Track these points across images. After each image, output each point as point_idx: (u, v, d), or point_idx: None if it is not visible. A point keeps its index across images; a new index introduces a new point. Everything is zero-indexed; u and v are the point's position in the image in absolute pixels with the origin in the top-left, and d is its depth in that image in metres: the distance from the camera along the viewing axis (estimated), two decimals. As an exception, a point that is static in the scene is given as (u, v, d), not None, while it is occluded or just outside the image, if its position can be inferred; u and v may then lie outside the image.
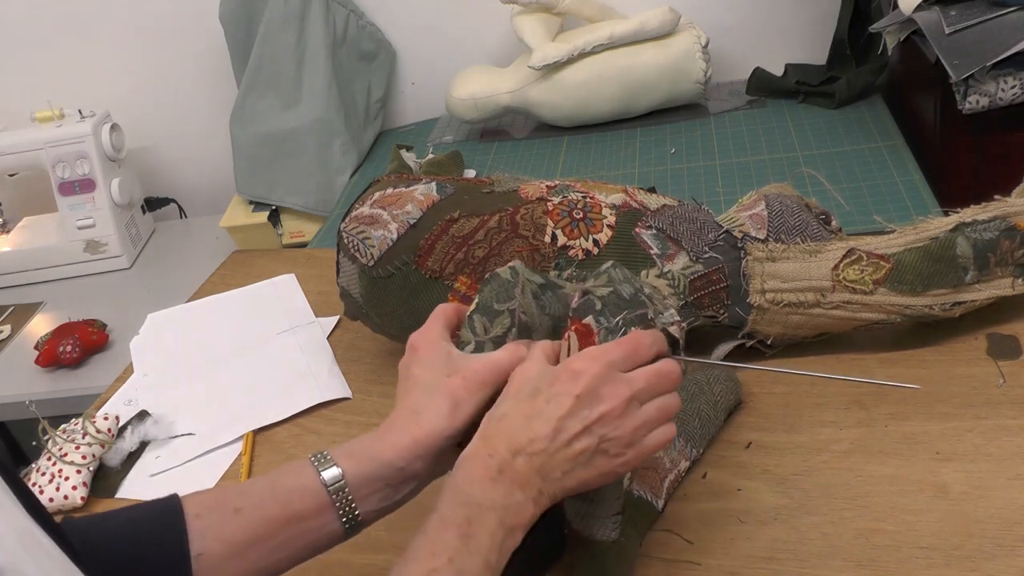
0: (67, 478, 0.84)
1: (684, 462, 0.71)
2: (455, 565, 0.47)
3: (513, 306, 0.60)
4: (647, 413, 0.54)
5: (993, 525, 0.62)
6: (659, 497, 0.67)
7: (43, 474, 0.85)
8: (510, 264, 0.62)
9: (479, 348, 0.59)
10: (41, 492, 0.83)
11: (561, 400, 0.52)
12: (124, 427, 0.90)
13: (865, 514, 0.65)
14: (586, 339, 0.57)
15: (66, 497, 0.83)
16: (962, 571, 0.59)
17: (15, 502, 0.44)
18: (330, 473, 0.54)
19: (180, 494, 0.56)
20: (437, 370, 0.57)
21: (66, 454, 0.85)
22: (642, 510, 0.66)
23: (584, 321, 0.58)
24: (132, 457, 0.89)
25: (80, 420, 0.89)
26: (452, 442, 0.56)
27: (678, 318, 0.59)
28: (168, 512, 0.55)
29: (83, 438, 0.87)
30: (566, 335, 0.59)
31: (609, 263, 0.61)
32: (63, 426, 0.89)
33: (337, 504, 0.54)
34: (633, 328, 0.57)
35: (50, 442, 0.86)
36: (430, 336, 0.59)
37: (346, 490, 0.54)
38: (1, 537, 0.40)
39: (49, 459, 0.86)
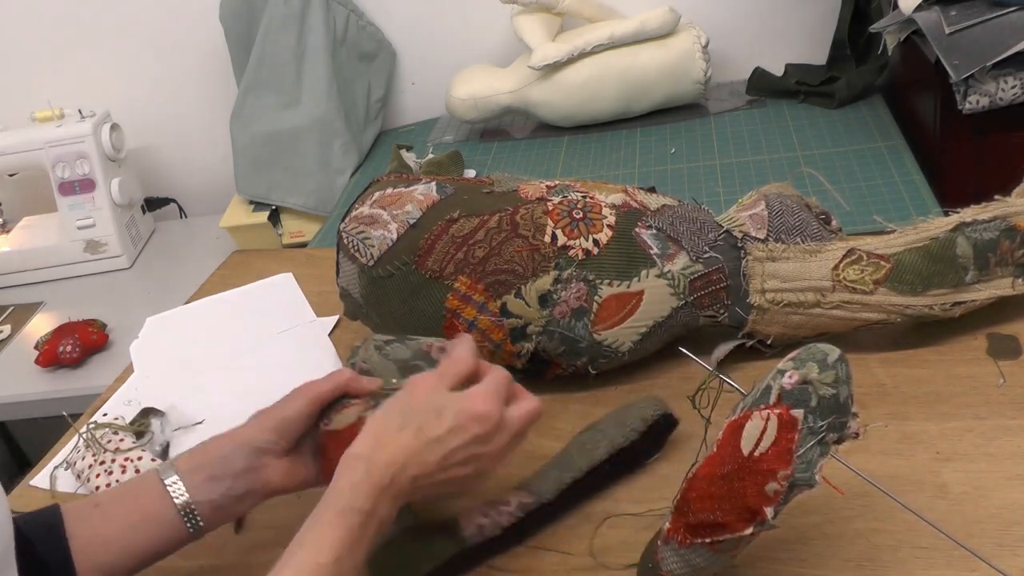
0: (139, 458, 0.84)
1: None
2: (338, 566, 0.53)
3: (354, 359, 0.70)
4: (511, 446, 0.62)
5: (993, 525, 0.62)
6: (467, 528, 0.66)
7: (108, 469, 0.83)
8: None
9: None
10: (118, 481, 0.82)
11: (461, 435, 0.59)
12: (147, 424, 0.90)
13: (865, 514, 0.65)
14: (786, 432, 0.51)
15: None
16: (962, 571, 0.59)
17: None
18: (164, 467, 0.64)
19: None
20: None
21: (118, 447, 0.85)
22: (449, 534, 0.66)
23: (792, 412, 0.51)
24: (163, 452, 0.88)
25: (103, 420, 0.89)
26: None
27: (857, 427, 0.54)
28: (44, 510, 0.63)
29: (115, 434, 0.87)
30: (764, 415, 0.52)
31: (838, 352, 0.53)
32: (91, 424, 0.89)
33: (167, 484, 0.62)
34: (833, 434, 0.52)
35: (102, 438, 0.86)
36: None
37: (174, 476, 0.63)
38: None
39: (95, 456, 0.84)
